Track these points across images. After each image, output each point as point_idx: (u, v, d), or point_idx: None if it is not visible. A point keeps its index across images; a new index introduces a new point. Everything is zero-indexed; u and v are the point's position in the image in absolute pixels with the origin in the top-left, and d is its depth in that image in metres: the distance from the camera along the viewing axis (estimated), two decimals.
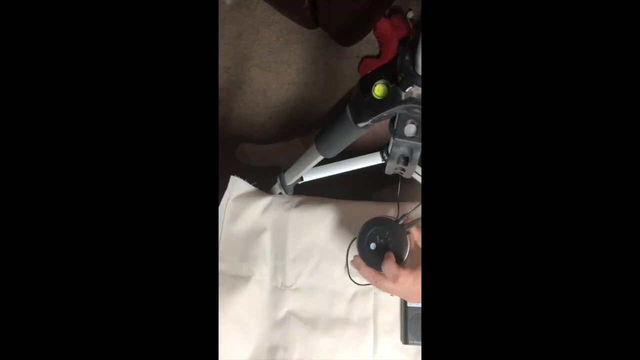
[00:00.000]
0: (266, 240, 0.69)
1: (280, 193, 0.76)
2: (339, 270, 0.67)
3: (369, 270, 0.55)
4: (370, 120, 0.45)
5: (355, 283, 0.66)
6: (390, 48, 1.30)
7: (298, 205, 0.71)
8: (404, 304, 0.65)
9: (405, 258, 0.56)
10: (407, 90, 0.41)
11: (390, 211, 0.67)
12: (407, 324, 0.63)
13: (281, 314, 0.66)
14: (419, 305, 0.64)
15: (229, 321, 0.65)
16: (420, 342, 0.63)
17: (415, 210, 0.59)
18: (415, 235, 0.58)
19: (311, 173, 0.73)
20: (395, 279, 0.52)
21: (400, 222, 0.57)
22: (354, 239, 0.66)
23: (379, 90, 0.43)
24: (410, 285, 0.52)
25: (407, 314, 0.64)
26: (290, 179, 0.73)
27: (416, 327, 0.63)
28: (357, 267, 0.56)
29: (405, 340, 0.63)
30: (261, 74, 1.36)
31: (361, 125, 0.48)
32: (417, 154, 0.49)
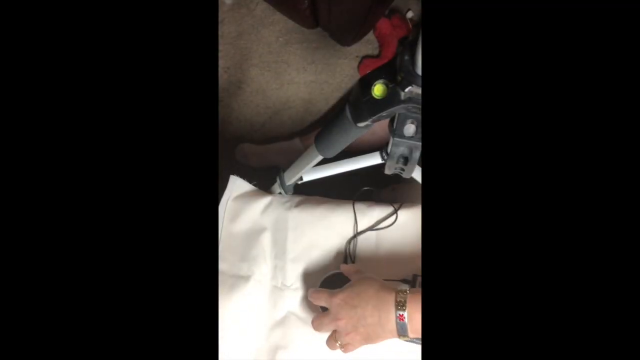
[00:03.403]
0: (266, 239, 0.69)
1: (280, 193, 0.76)
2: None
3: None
4: (369, 120, 0.45)
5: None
6: (390, 48, 1.30)
7: (298, 205, 0.71)
8: None
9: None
10: (406, 90, 0.41)
11: (385, 211, 0.67)
12: None
13: (281, 313, 0.66)
14: None
15: (229, 321, 0.65)
16: (419, 342, 0.63)
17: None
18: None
19: (311, 173, 0.73)
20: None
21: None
22: (352, 237, 0.67)
23: (378, 90, 0.43)
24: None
25: None
26: (290, 179, 0.73)
27: None
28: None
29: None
30: (261, 74, 1.36)
31: (361, 125, 0.48)
32: (417, 154, 0.49)
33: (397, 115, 0.47)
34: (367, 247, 0.67)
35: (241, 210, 0.71)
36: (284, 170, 0.75)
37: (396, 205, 0.68)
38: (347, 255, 0.66)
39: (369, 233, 0.67)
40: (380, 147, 0.67)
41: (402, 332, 0.50)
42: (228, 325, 0.64)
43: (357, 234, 0.67)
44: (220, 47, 1.37)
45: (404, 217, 0.67)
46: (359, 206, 0.69)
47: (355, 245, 0.67)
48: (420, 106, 0.43)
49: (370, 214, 0.68)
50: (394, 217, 0.67)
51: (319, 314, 0.57)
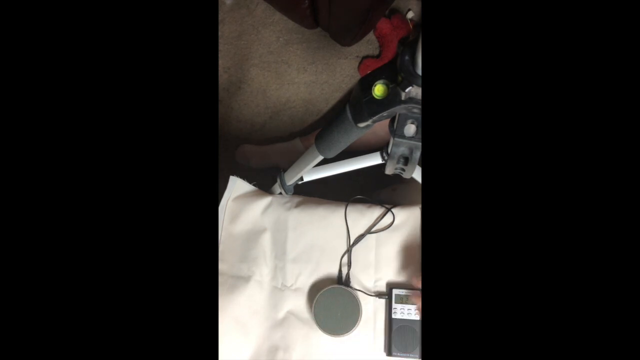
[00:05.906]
0: (266, 240, 0.69)
1: (280, 193, 0.76)
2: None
3: None
4: (370, 120, 0.45)
5: (355, 289, 0.66)
6: (390, 48, 1.30)
7: (298, 205, 0.71)
8: (388, 315, 0.64)
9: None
10: (407, 90, 0.41)
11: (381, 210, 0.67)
12: (391, 335, 0.62)
13: (281, 314, 0.66)
14: (403, 317, 0.63)
15: (229, 321, 0.65)
16: (404, 355, 0.62)
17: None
18: None
19: (311, 173, 0.73)
20: None
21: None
22: (346, 251, 0.66)
23: (379, 90, 0.43)
24: None
25: (391, 325, 0.63)
26: (290, 179, 0.73)
27: (399, 339, 0.62)
28: None
29: (389, 352, 0.63)
30: (261, 74, 1.36)
31: (361, 125, 0.48)
32: (417, 154, 0.49)
33: (397, 116, 0.47)
34: (367, 249, 0.67)
35: (241, 210, 0.71)
36: (284, 171, 0.75)
37: (388, 206, 0.68)
38: (340, 271, 0.66)
39: (368, 235, 0.67)
40: (380, 147, 0.67)
41: None
42: (228, 326, 0.64)
43: (351, 246, 0.67)
44: (220, 47, 1.37)
45: (402, 217, 0.67)
46: (358, 207, 0.69)
47: (350, 257, 0.67)
48: (420, 106, 0.43)
49: (370, 215, 0.68)
50: (391, 219, 0.67)
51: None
